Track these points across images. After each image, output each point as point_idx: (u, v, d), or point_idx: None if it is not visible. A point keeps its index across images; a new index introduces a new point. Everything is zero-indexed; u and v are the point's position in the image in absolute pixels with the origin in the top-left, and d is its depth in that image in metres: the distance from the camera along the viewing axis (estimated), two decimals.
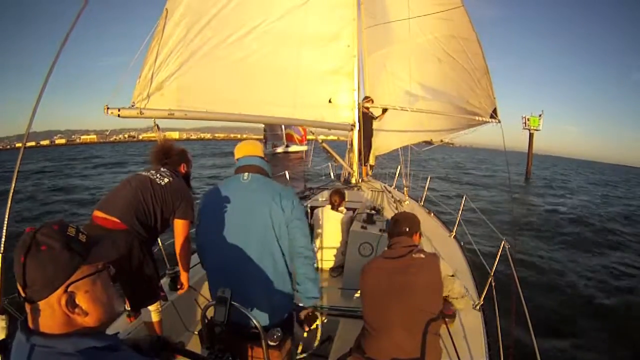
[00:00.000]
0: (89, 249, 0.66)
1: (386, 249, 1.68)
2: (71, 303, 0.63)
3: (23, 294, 0.62)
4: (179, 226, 1.97)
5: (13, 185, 1.44)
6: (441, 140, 5.95)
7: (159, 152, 2.10)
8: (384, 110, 5.27)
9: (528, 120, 27.57)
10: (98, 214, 1.81)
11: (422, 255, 1.54)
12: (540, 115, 27.67)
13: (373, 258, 1.74)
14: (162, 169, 2.02)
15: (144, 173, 1.97)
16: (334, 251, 3.12)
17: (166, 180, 1.95)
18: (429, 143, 6.11)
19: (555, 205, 13.83)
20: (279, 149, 28.32)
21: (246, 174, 1.50)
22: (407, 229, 1.65)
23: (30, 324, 0.63)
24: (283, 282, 1.48)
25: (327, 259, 3.15)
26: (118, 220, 1.77)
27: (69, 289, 0.63)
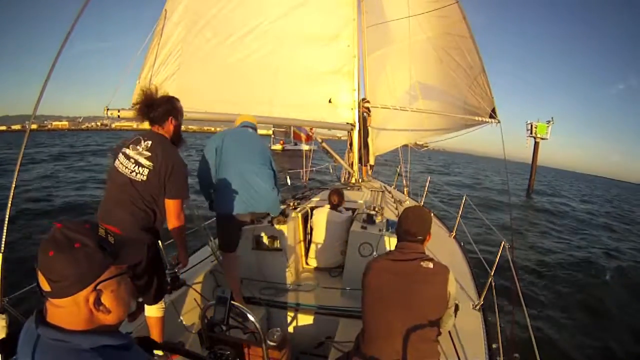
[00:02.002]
0: (118, 250, 0.69)
1: (391, 249, 1.63)
2: (97, 301, 0.65)
3: (49, 289, 0.62)
4: (171, 206, 1.76)
5: (13, 185, 1.44)
6: (416, 143, 5.95)
7: (143, 104, 1.81)
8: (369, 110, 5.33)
9: (535, 127, 23.97)
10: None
11: (431, 265, 1.47)
12: (548, 122, 24.15)
13: (378, 256, 1.67)
14: (137, 149, 1.72)
15: (121, 170, 1.70)
16: (334, 251, 3.12)
17: (146, 171, 1.69)
18: (413, 148, 6.09)
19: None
20: (288, 146, 29.49)
21: (249, 129, 2.49)
22: (416, 233, 1.55)
23: (47, 319, 0.64)
24: (273, 189, 2.40)
25: (326, 259, 3.15)
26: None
27: (98, 287, 0.65)
